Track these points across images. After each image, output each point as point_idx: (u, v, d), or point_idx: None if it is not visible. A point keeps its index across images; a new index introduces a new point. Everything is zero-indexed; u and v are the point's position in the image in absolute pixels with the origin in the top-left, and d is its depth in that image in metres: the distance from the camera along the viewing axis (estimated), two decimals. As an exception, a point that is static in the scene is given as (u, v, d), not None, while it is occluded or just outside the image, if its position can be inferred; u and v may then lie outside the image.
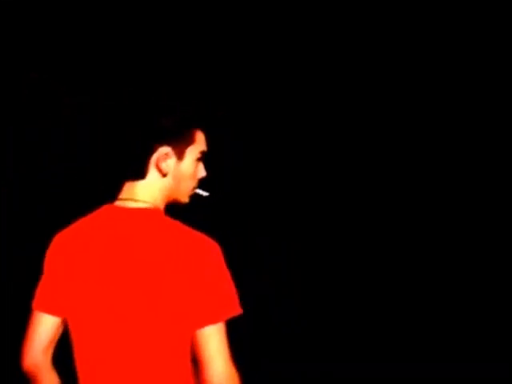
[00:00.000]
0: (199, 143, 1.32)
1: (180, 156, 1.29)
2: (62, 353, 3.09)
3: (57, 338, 1.32)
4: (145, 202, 1.30)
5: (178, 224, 1.26)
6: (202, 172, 1.35)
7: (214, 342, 1.20)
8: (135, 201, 1.28)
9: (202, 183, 1.50)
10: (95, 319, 1.23)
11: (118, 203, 1.26)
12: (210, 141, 2.53)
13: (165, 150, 1.25)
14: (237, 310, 1.20)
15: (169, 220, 1.27)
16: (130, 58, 3.54)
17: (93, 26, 3.34)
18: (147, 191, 1.30)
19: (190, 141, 1.30)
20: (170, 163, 1.26)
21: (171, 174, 1.28)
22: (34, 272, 3.19)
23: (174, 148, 1.27)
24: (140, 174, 1.27)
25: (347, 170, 4.65)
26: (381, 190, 4.83)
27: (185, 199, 1.35)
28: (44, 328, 1.29)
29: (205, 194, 1.28)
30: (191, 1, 3.83)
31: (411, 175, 4.89)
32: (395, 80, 4.97)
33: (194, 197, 1.34)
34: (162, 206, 1.32)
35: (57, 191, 3.26)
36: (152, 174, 1.27)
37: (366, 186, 4.80)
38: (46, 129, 3.22)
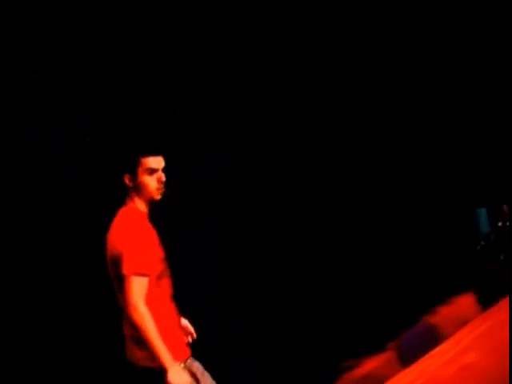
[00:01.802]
0: (144, 165, 2.23)
1: (133, 176, 2.24)
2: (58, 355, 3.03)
3: None
4: (126, 204, 2.29)
5: (123, 215, 2.27)
6: (159, 179, 2.25)
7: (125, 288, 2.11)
8: (132, 200, 2.30)
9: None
10: None
11: (129, 203, 2.31)
12: (209, 140, 2.56)
13: (126, 176, 2.24)
14: (127, 271, 2.10)
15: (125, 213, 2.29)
16: (129, 58, 3.54)
17: (93, 26, 3.34)
18: (135, 193, 2.27)
19: (138, 166, 2.23)
20: (128, 180, 2.24)
21: (133, 186, 2.24)
22: (35, 271, 3.18)
23: (129, 173, 2.24)
24: (132, 181, 2.25)
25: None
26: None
27: (155, 197, 2.28)
28: None
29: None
30: (191, 1, 3.82)
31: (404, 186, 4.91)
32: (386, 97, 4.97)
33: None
34: (142, 204, 2.27)
35: (57, 191, 3.26)
36: (138, 179, 2.23)
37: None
38: (46, 129, 3.21)
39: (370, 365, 3.48)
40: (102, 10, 3.37)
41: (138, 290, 2.10)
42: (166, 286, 2.29)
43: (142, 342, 2.13)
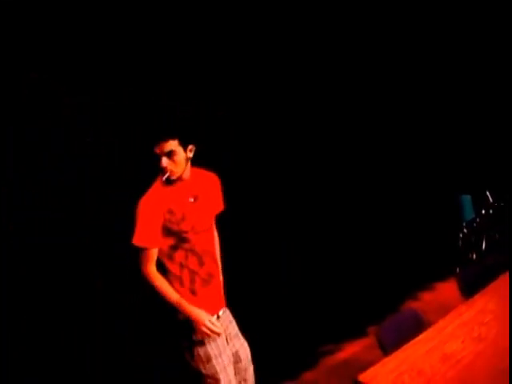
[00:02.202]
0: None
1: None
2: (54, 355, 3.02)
3: None
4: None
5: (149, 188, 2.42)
6: (159, 163, 2.40)
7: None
8: None
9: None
10: None
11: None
12: (209, 140, 2.57)
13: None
14: (134, 242, 2.31)
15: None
16: (129, 58, 3.54)
17: (93, 26, 3.34)
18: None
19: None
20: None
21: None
22: (35, 272, 3.18)
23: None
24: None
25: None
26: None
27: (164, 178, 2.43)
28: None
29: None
30: (191, 1, 3.82)
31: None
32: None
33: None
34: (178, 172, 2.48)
35: (57, 191, 3.26)
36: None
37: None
38: (46, 129, 3.21)
39: (351, 350, 3.48)
40: (101, 11, 3.37)
41: (144, 259, 2.34)
42: (183, 257, 2.43)
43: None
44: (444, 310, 3.66)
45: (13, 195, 3.07)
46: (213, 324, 2.28)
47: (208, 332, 2.28)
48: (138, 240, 2.34)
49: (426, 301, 4.19)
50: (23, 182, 3.13)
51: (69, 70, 3.31)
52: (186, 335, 2.34)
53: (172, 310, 2.36)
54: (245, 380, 2.53)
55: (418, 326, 2.66)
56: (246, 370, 2.53)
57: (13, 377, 2.99)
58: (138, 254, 2.39)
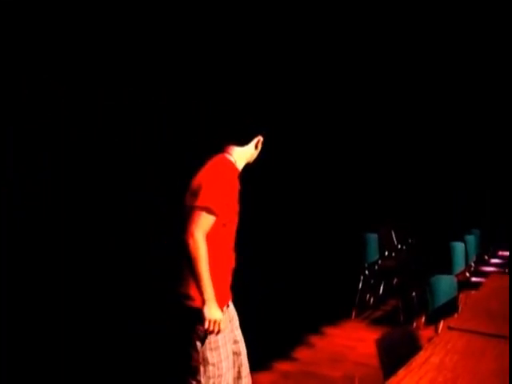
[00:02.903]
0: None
1: (262, 142, 2.53)
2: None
3: None
4: (232, 156, 2.49)
5: (218, 160, 2.45)
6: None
7: (191, 218, 2.28)
8: (231, 155, 2.48)
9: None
10: None
11: (227, 155, 2.47)
12: (209, 140, 2.59)
13: (261, 137, 2.52)
14: (199, 203, 2.26)
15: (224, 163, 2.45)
16: (129, 59, 3.54)
17: (92, 26, 3.34)
18: (240, 153, 2.50)
19: (263, 135, 2.54)
20: (260, 144, 2.53)
21: (257, 149, 2.54)
22: (35, 273, 3.18)
23: (262, 137, 2.52)
24: (245, 145, 2.50)
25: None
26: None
27: (251, 162, 2.56)
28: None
29: None
30: (193, 0, 3.83)
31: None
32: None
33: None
34: (242, 163, 2.52)
35: (57, 191, 3.26)
36: (249, 146, 2.51)
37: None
38: (46, 129, 3.22)
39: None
40: (101, 11, 3.37)
41: (202, 222, 2.28)
42: (228, 236, 2.45)
43: (186, 281, 2.33)
44: (337, 363, 3.69)
45: (13, 195, 3.08)
46: (218, 325, 2.29)
47: (211, 328, 2.28)
48: (211, 204, 2.31)
49: (318, 349, 3.97)
50: (23, 182, 3.13)
51: (69, 70, 3.31)
52: (204, 323, 2.33)
53: (191, 296, 2.31)
54: (239, 375, 2.54)
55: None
56: (241, 365, 2.54)
57: (13, 376, 3.00)
58: (191, 216, 2.31)
